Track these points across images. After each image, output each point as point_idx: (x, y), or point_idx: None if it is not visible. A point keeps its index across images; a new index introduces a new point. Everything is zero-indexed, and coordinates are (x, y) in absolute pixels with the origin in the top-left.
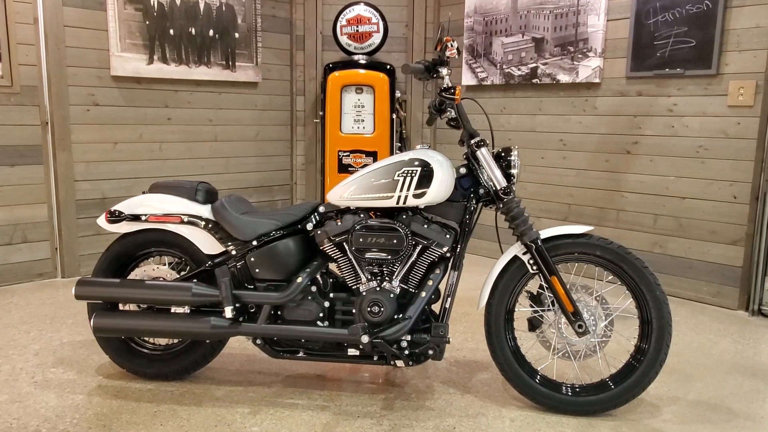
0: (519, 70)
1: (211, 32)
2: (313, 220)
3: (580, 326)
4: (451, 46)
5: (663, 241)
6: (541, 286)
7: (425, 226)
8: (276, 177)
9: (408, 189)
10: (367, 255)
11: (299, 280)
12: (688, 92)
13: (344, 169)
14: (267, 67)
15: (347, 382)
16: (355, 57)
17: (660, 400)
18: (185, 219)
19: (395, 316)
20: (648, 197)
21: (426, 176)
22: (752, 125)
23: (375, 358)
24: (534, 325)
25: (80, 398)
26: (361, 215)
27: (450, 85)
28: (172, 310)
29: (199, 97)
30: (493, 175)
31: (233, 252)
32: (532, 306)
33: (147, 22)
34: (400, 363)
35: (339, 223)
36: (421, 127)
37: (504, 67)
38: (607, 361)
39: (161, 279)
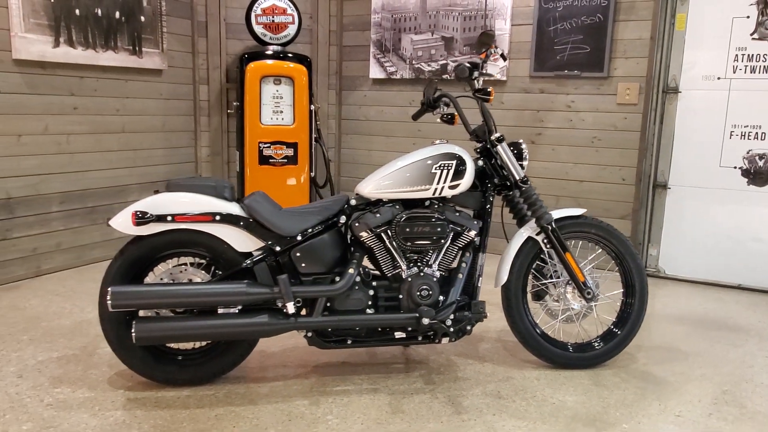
0: (429, 66)
1: (117, 14)
2: (345, 213)
3: (588, 293)
4: (495, 52)
5: None
6: (542, 261)
7: (457, 213)
8: (182, 170)
9: (444, 181)
10: (410, 243)
11: (351, 270)
12: (584, 91)
13: (265, 160)
14: (171, 54)
15: (373, 365)
16: (270, 47)
17: (628, 350)
18: (218, 217)
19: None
20: (551, 181)
21: (460, 169)
22: (636, 120)
23: (419, 338)
24: (540, 295)
25: (119, 414)
26: (396, 207)
27: (486, 87)
28: (220, 311)
29: (105, 85)
30: (513, 166)
31: (277, 248)
32: (536, 279)
33: (52, 0)
34: (445, 340)
35: (378, 215)
36: (327, 118)
37: (414, 62)
38: (599, 320)
39: (189, 281)
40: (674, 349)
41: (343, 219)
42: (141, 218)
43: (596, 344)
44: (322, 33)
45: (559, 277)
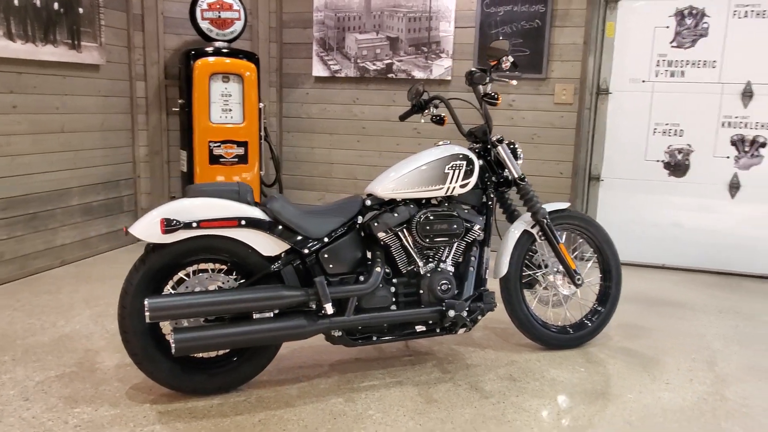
0: (374, 65)
1: (56, 5)
2: (362, 213)
3: (578, 279)
4: (506, 59)
5: None
6: (533, 251)
7: (466, 210)
8: (121, 171)
9: (456, 181)
10: (428, 240)
11: (377, 269)
12: (524, 91)
13: (215, 160)
14: (108, 49)
15: (386, 359)
16: (216, 44)
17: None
18: (243, 222)
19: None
20: None
21: (469, 169)
22: (572, 118)
23: (437, 330)
24: (531, 284)
25: (159, 428)
26: (411, 206)
27: (493, 92)
28: (255, 317)
29: (45, 82)
30: (512, 165)
31: (305, 250)
32: (528, 269)
33: None
34: (462, 330)
35: (396, 215)
36: (268, 116)
37: (359, 61)
38: (580, 302)
39: (217, 287)
40: (636, 326)
41: (360, 219)
42: (170, 226)
43: (588, 322)
44: (262, 29)
45: (547, 267)
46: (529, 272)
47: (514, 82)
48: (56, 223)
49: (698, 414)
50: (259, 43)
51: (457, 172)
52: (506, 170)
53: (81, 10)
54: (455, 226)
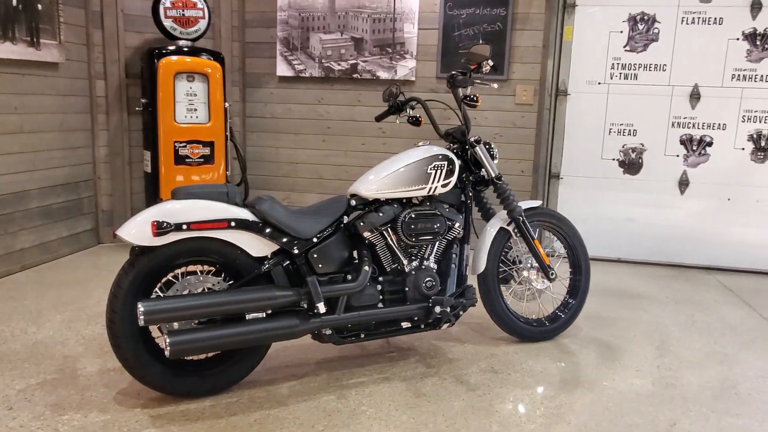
0: (339, 65)
1: (14, 1)
2: (347, 213)
3: (552, 274)
4: (486, 64)
5: None
6: (508, 248)
7: (447, 209)
8: (81, 172)
9: (438, 180)
10: (413, 239)
11: (366, 268)
12: (487, 92)
13: (181, 160)
14: (67, 47)
15: (370, 356)
16: (180, 43)
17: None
18: (233, 223)
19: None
20: None
21: (450, 169)
22: (532, 118)
23: (422, 326)
24: (506, 279)
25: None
26: (395, 206)
27: (473, 95)
28: (248, 317)
29: (3, 81)
30: (489, 165)
31: (295, 251)
32: (503, 265)
33: None
34: (446, 325)
35: (381, 215)
36: (231, 116)
37: (323, 61)
38: (552, 296)
39: (205, 290)
40: (601, 317)
41: (345, 219)
42: (161, 228)
43: (561, 314)
44: (225, 28)
45: (520, 263)
46: (505, 268)
47: (495, 85)
48: (15, 227)
49: (669, 397)
50: (222, 42)
51: (439, 172)
52: (483, 170)
53: (40, 7)
54: (438, 225)
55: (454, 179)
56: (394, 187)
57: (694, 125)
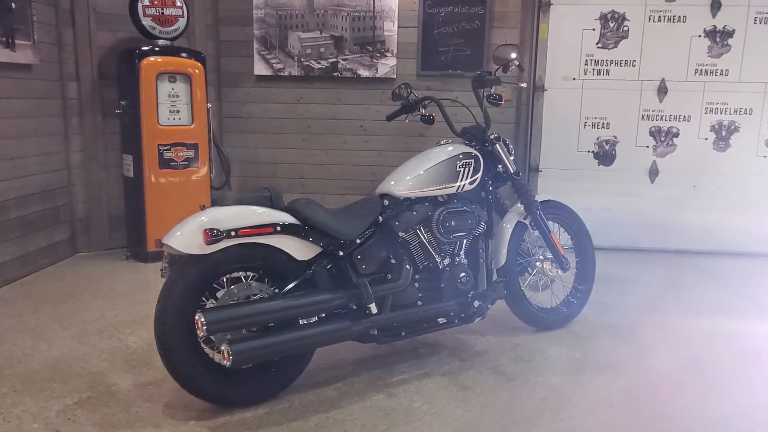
0: (319, 63)
1: None
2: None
3: (566, 264)
4: (512, 64)
5: None
6: (522, 240)
7: (473, 206)
8: (55, 179)
9: (467, 178)
10: (448, 236)
11: (407, 266)
12: (466, 88)
13: (166, 164)
14: (39, 47)
15: (400, 354)
16: (159, 42)
17: None
18: (278, 228)
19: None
20: None
21: (476, 166)
22: (511, 114)
23: (456, 321)
24: (521, 271)
25: None
26: (427, 204)
27: (496, 93)
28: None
29: None
30: (508, 162)
31: (340, 252)
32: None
33: None
34: (478, 319)
35: (416, 213)
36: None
37: (303, 60)
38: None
39: (252, 296)
40: (600, 302)
41: (380, 219)
42: (214, 236)
43: (574, 300)
44: (198, 26)
45: (533, 255)
46: (521, 260)
47: (524, 84)
48: None
49: (692, 374)
50: (196, 41)
51: (467, 169)
52: (500, 166)
53: (13, 5)
54: (470, 221)
55: (480, 176)
56: (427, 186)
57: (662, 117)
